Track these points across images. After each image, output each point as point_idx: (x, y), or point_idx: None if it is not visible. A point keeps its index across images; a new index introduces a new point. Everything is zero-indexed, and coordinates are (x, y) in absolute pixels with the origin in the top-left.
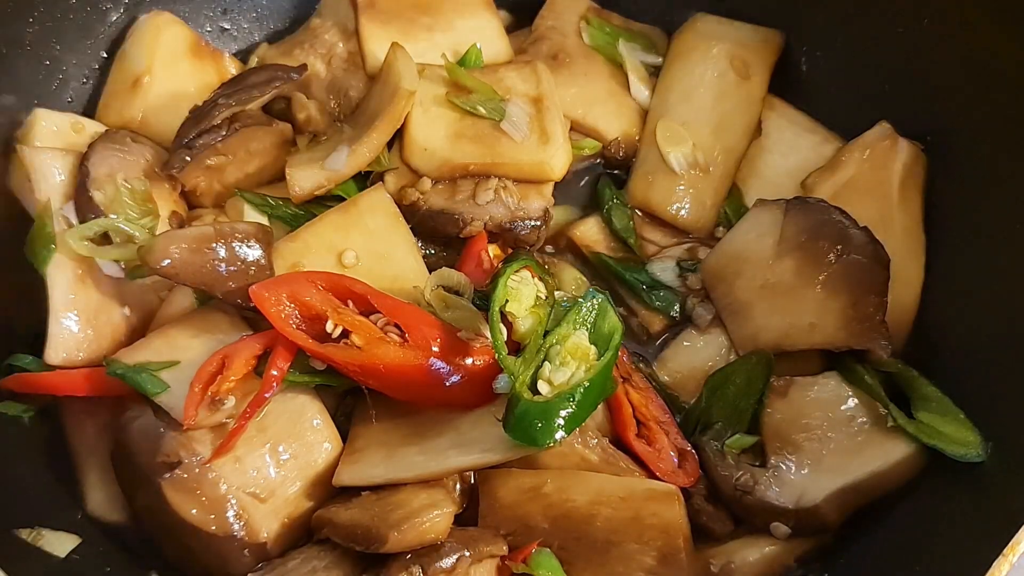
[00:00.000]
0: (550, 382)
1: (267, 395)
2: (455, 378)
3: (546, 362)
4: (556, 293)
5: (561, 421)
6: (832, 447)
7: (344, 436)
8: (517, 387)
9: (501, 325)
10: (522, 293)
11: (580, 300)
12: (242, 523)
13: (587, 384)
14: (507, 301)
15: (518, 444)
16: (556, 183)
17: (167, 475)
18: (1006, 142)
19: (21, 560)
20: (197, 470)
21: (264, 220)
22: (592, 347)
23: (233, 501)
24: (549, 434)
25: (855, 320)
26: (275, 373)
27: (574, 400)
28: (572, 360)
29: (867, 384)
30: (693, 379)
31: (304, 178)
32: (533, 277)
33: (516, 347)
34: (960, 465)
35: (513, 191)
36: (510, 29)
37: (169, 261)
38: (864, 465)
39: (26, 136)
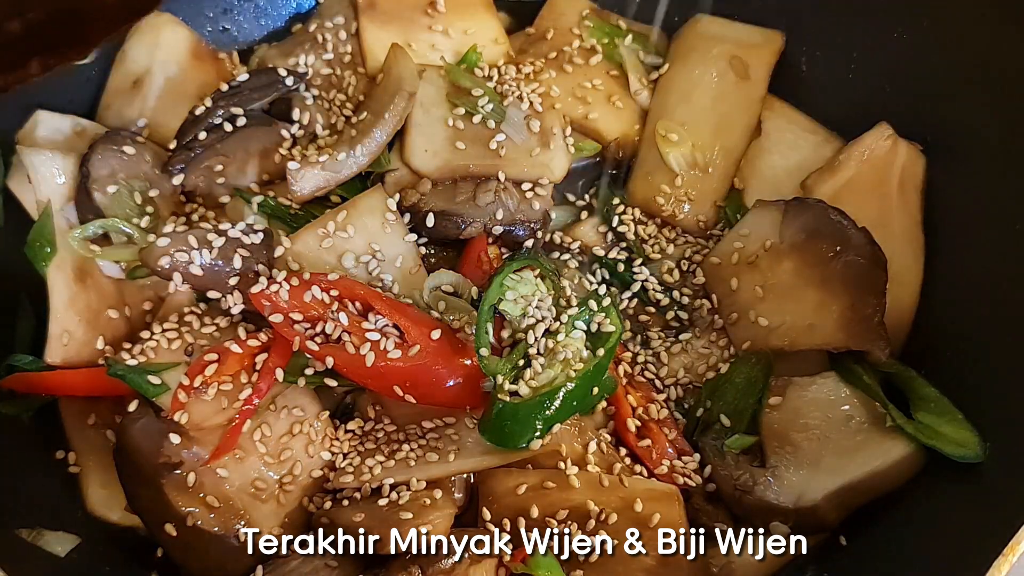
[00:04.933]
0: (532, 383)
1: (264, 394)
2: (454, 379)
3: (533, 362)
4: (562, 292)
5: (538, 423)
6: (831, 447)
7: (344, 437)
8: (496, 387)
9: (489, 325)
10: (519, 292)
11: (584, 300)
12: (243, 523)
13: (571, 386)
14: (501, 300)
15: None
16: (556, 183)
17: (168, 475)
18: (1006, 142)
19: (21, 560)
20: (198, 470)
21: (264, 221)
22: (585, 349)
23: (234, 501)
24: (521, 436)
25: (853, 321)
26: (271, 373)
27: (552, 402)
28: (558, 362)
29: (866, 384)
30: (693, 379)
31: (305, 179)
32: (536, 277)
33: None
34: (959, 465)
35: (513, 192)
36: (510, 31)
37: (169, 262)
38: (863, 465)
39: (27, 137)
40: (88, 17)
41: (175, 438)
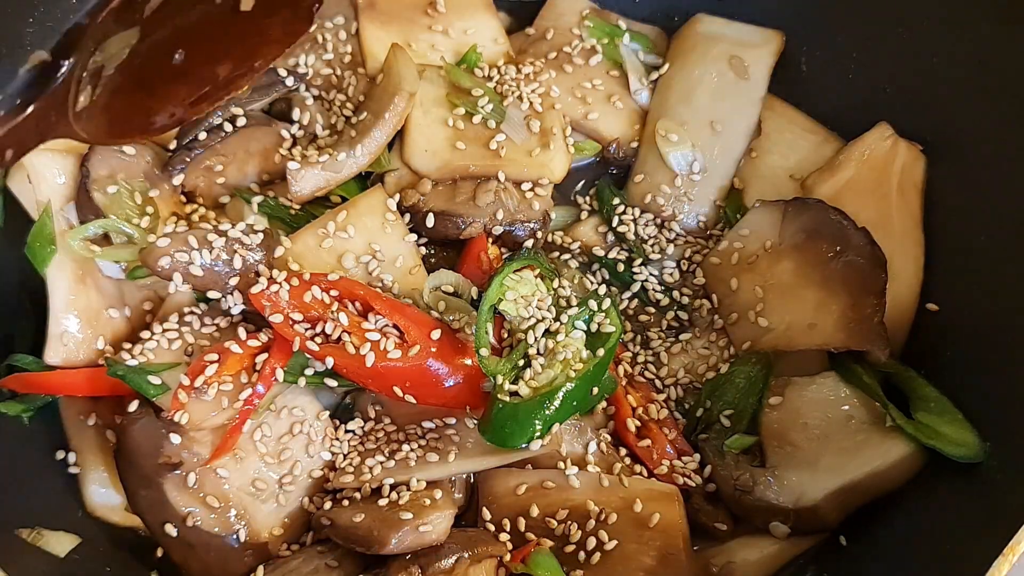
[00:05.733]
0: (532, 383)
1: (263, 394)
2: (454, 379)
3: (533, 362)
4: (562, 292)
5: (537, 423)
6: (831, 447)
7: (344, 437)
8: (496, 387)
9: (489, 325)
10: (519, 292)
11: (584, 300)
12: (243, 523)
13: (570, 386)
14: (501, 300)
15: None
16: (556, 183)
17: (168, 475)
18: (1006, 142)
19: (21, 560)
20: (198, 471)
21: (264, 221)
22: (584, 348)
23: (234, 502)
24: (521, 436)
25: (853, 321)
26: (271, 373)
27: (552, 402)
28: (558, 362)
29: (865, 384)
30: (693, 379)
31: (304, 179)
32: (536, 277)
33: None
34: (959, 465)
35: (513, 193)
36: (510, 30)
37: (169, 262)
38: (863, 465)
39: None
40: (253, 43)
41: (175, 438)
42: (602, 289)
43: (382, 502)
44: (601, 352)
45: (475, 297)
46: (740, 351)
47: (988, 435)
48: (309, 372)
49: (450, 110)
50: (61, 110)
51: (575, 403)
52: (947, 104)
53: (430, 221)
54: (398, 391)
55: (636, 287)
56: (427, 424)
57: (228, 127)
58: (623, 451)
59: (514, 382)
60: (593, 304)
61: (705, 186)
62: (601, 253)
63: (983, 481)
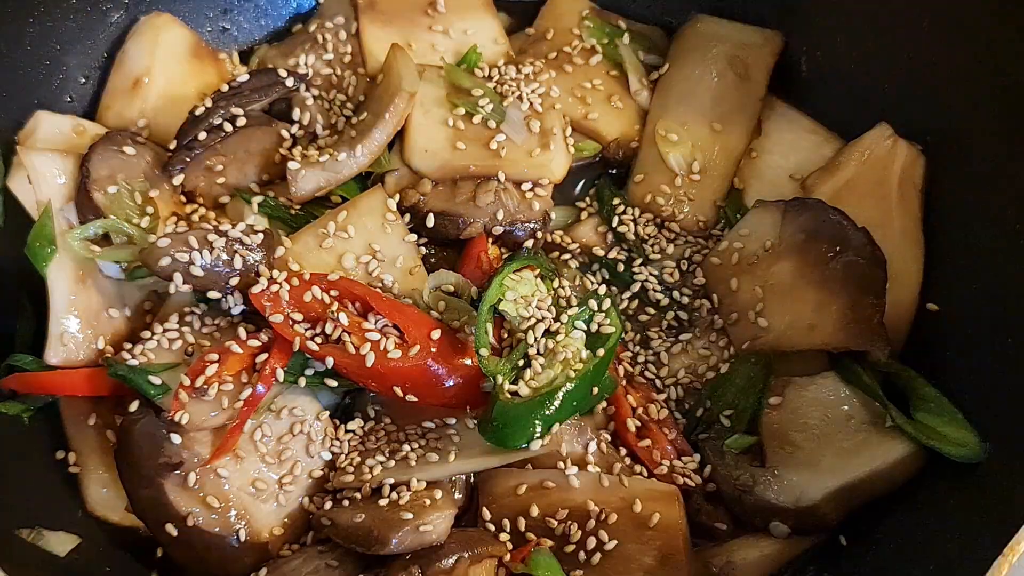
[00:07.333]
0: (532, 383)
1: (263, 394)
2: (454, 379)
3: (533, 362)
4: (562, 292)
5: (538, 423)
6: (831, 447)
7: (344, 437)
8: (496, 388)
9: (489, 325)
10: (519, 292)
11: (584, 300)
12: (243, 523)
13: (570, 386)
14: (501, 300)
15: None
16: (556, 184)
17: (169, 475)
18: (1006, 142)
19: (21, 560)
20: (198, 471)
21: (264, 221)
22: (584, 348)
23: (235, 502)
24: (522, 436)
25: (853, 321)
26: (271, 373)
27: (552, 402)
28: (558, 362)
29: (865, 384)
30: (693, 379)
31: (304, 179)
32: (536, 277)
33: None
34: (959, 465)
35: (513, 193)
36: (510, 31)
37: (170, 262)
38: (863, 465)
39: (28, 138)
40: None
41: (176, 438)
42: (602, 289)
43: (382, 502)
44: (601, 352)
45: (475, 297)
46: (740, 351)
47: (988, 435)
48: (309, 372)
49: (450, 110)
50: None
51: (575, 403)
52: (947, 104)
53: (430, 221)
54: (398, 391)
55: (636, 287)
56: (427, 424)
57: (228, 127)
58: (623, 451)
59: (514, 382)
60: (593, 304)
61: (705, 186)
62: (601, 253)
63: (983, 481)
